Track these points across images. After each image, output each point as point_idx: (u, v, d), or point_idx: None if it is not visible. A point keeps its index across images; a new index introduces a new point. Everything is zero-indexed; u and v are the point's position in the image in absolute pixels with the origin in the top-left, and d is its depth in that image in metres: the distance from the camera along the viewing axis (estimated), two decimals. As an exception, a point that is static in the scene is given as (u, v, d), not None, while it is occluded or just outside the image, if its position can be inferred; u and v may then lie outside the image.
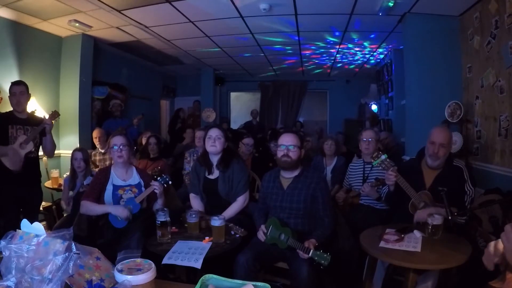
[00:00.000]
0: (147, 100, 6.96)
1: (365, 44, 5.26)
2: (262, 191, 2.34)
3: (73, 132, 4.47)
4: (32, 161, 2.81)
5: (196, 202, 2.56)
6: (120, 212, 2.23)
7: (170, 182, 2.40)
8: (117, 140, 2.39)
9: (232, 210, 2.41)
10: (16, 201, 2.71)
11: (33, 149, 2.76)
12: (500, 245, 0.97)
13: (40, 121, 2.84)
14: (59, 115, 2.92)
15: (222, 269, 1.39)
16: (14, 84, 2.78)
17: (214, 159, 2.52)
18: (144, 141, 4.15)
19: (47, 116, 2.81)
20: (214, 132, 2.48)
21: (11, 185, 2.67)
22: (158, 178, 2.35)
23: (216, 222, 2.01)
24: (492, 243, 1.01)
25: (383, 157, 2.18)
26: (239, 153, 3.39)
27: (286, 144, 2.15)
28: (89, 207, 2.29)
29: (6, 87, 2.82)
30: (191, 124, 6.63)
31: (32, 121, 2.82)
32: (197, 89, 7.79)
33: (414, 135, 3.73)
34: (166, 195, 2.55)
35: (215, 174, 2.52)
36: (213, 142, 2.46)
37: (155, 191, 2.32)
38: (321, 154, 3.79)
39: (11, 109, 2.80)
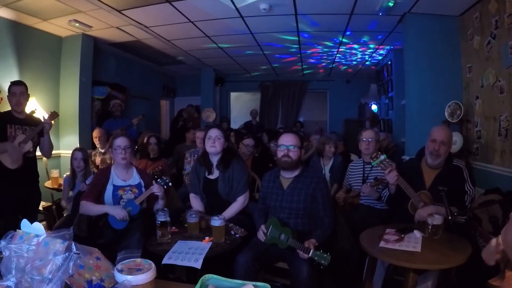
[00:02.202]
0: (147, 100, 6.96)
1: (365, 44, 5.26)
2: (262, 191, 2.34)
3: (73, 132, 4.47)
4: (30, 161, 2.80)
5: (196, 202, 2.56)
6: (117, 212, 2.22)
7: (170, 184, 2.41)
8: (121, 142, 2.39)
9: (232, 210, 2.41)
10: (15, 201, 2.70)
11: (31, 149, 2.77)
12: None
13: (38, 121, 2.84)
14: (58, 115, 2.92)
15: (222, 269, 1.39)
16: (14, 84, 2.76)
17: (214, 159, 2.52)
18: (145, 141, 4.15)
19: (46, 117, 2.81)
20: (213, 133, 2.48)
21: (10, 185, 2.67)
22: (158, 180, 2.35)
23: (216, 222, 2.01)
24: (494, 239, 1.01)
25: (382, 157, 2.18)
26: (239, 153, 3.39)
27: (287, 144, 2.15)
28: (88, 207, 2.29)
29: (6, 87, 2.81)
30: (190, 127, 6.57)
31: (30, 121, 2.83)
32: (197, 89, 7.79)
33: (414, 135, 3.73)
34: (166, 194, 2.55)
35: (215, 174, 2.52)
36: (213, 143, 2.46)
37: (157, 194, 2.32)
38: (318, 154, 3.76)
39: (9, 108, 2.79)
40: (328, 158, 3.66)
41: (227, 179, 2.47)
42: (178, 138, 5.54)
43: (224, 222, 2.04)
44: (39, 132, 2.79)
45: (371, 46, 5.38)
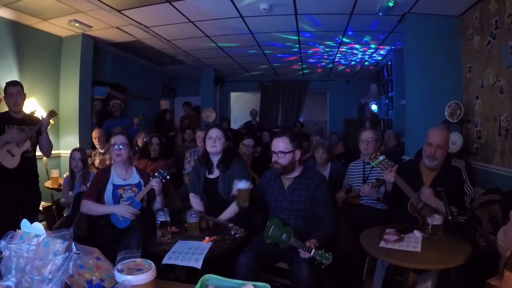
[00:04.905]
0: (147, 100, 6.96)
1: (366, 44, 5.26)
2: (259, 185, 2.32)
3: (73, 132, 4.47)
4: (29, 161, 2.79)
5: (196, 202, 2.56)
6: (124, 212, 2.22)
7: (168, 177, 2.37)
8: (118, 139, 2.40)
9: (231, 210, 2.40)
10: (15, 201, 2.70)
11: (29, 148, 2.75)
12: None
13: (36, 120, 2.85)
14: (56, 114, 2.92)
15: (222, 269, 1.39)
16: (10, 84, 2.74)
17: (215, 159, 2.52)
18: (139, 142, 4.14)
19: (44, 116, 2.81)
20: (214, 133, 2.48)
21: (9, 185, 2.66)
22: (156, 174, 2.34)
23: (242, 185, 2.05)
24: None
25: (381, 158, 2.17)
26: (239, 153, 3.39)
27: (275, 151, 2.14)
28: (91, 207, 2.28)
29: (6, 87, 2.81)
30: (186, 127, 6.48)
31: (28, 120, 2.82)
32: (197, 89, 7.79)
33: (414, 135, 3.72)
34: (166, 194, 2.54)
35: (215, 173, 2.52)
36: (214, 143, 2.46)
37: (154, 187, 2.31)
38: (314, 159, 3.51)
39: (7, 109, 2.78)
40: (323, 165, 3.41)
41: (227, 179, 2.47)
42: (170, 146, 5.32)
43: (251, 185, 2.08)
44: (38, 131, 2.78)
45: (371, 46, 5.38)
